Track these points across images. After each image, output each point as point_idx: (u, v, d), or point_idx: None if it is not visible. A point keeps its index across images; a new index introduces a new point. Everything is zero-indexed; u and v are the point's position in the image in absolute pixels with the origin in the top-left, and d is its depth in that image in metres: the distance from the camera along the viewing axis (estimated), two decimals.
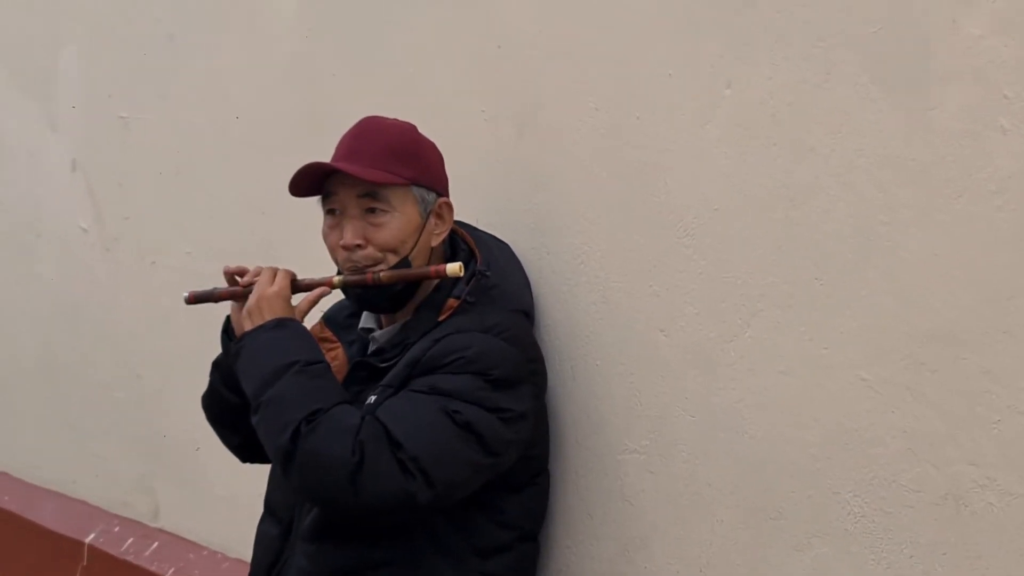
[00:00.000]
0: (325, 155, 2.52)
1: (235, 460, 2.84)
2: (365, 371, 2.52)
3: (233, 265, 2.58)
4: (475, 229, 2.64)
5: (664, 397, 2.47)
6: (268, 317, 2.44)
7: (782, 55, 2.24)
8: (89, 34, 4.18)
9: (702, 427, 2.40)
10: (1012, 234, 1.92)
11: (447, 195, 2.56)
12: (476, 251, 2.55)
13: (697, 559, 2.41)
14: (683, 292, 2.44)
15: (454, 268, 2.41)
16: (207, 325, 2.96)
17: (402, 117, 2.61)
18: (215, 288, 2.60)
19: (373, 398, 2.40)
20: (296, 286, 2.51)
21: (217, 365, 2.70)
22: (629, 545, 2.52)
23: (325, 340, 2.60)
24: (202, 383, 2.79)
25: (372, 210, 2.46)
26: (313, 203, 2.61)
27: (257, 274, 2.51)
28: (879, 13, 2.09)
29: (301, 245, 2.77)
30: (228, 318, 2.62)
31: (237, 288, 2.54)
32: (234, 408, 2.64)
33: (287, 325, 2.44)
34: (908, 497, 2.07)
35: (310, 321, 2.61)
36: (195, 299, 2.63)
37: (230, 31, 3.58)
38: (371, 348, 2.58)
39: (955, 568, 2.02)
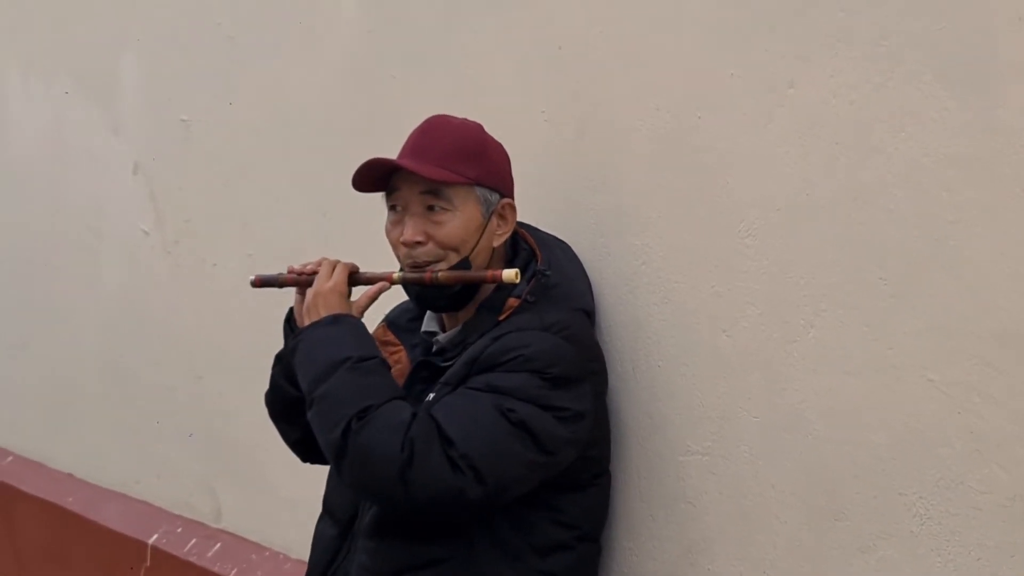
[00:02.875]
0: (384, 156, 2.52)
1: (296, 461, 2.84)
2: (427, 371, 2.54)
3: (297, 265, 2.60)
4: (536, 229, 2.64)
5: (727, 398, 2.46)
6: (324, 313, 2.46)
7: (845, 54, 2.22)
8: (150, 38, 4.20)
9: (765, 428, 2.39)
10: None
11: (511, 196, 2.56)
12: (537, 251, 2.55)
13: (760, 561, 2.40)
14: (746, 292, 2.42)
15: (510, 275, 2.42)
16: (268, 327, 2.98)
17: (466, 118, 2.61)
18: (280, 274, 2.64)
19: (432, 395, 2.42)
20: (356, 280, 2.53)
21: (279, 358, 2.71)
22: (692, 547, 2.52)
23: (388, 343, 2.62)
24: (262, 385, 2.80)
25: (434, 208, 2.47)
26: (374, 206, 2.64)
27: (320, 265, 2.53)
28: (943, 11, 2.07)
29: (361, 246, 2.77)
30: (291, 309, 2.64)
31: (300, 276, 2.57)
32: (294, 403, 2.64)
33: (342, 321, 2.45)
34: (975, 499, 2.05)
35: (374, 318, 2.62)
36: (261, 283, 2.67)
37: (290, 33, 3.59)
38: (434, 350, 2.59)
39: (1023, 571, 2.00)
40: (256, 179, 3.73)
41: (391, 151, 2.53)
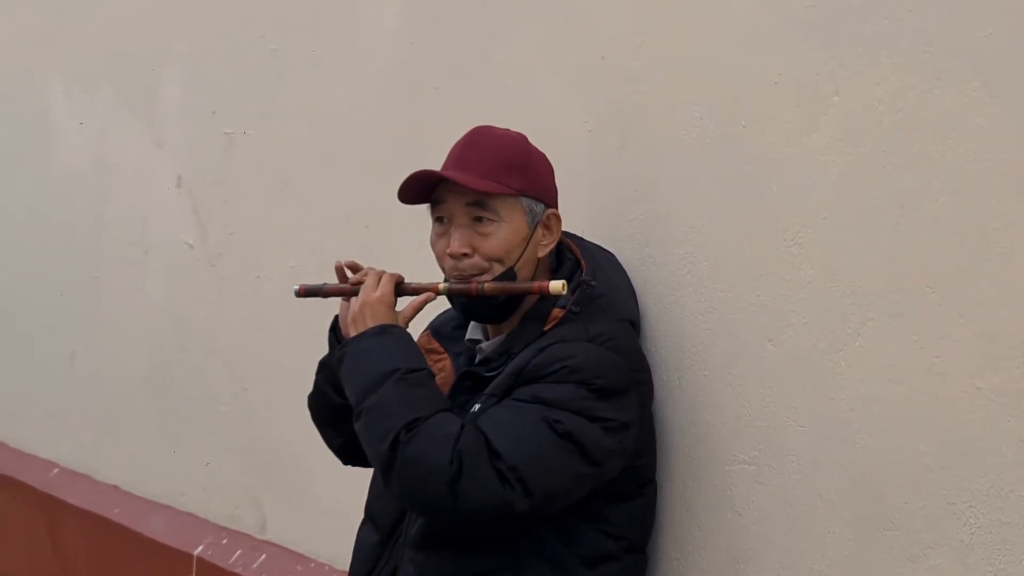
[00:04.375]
0: (428, 167, 2.53)
1: (341, 471, 2.87)
2: (471, 381, 2.53)
3: (346, 260, 2.60)
4: (581, 239, 2.64)
5: (773, 407, 2.45)
6: (371, 324, 2.45)
7: (890, 61, 2.22)
8: (192, 51, 4.23)
9: (812, 437, 2.38)
10: None
11: (556, 207, 2.55)
12: (582, 261, 2.54)
13: (808, 571, 2.39)
14: (791, 301, 2.42)
15: (556, 286, 2.40)
16: (312, 337, 2.99)
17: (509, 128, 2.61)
18: (325, 283, 2.64)
19: (477, 407, 2.40)
20: (402, 290, 2.53)
21: (323, 365, 2.72)
22: (739, 557, 2.51)
23: (432, 351, 2.62)
24: (304, 393, 2.83)
25: (480, 219, 2.46)
26: (417, 217, 2.64)
27: (366, 275, 2.53)
28: (990, 17, 2.06)
29: (404, 258, 2.78)
30: (336, 317, 2.64)
31: (345, 286, 2.57)
32: (338, 409, 2.66)
33: (389, 332, 2.45)
34: None
35: (417, 326, 2.61)
36: (306, 292, 2.66)
37: (332, 45, 3.60)
38: (478, 359, 2.59)
39: None
40: (299, 191, 3.74)
41: (434, 163, 2.54)
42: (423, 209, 2.59)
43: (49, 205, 5.05)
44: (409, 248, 2.75)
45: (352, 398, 2.43)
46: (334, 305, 2.64)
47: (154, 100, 4.40)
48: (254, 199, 3.93)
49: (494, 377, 2.47)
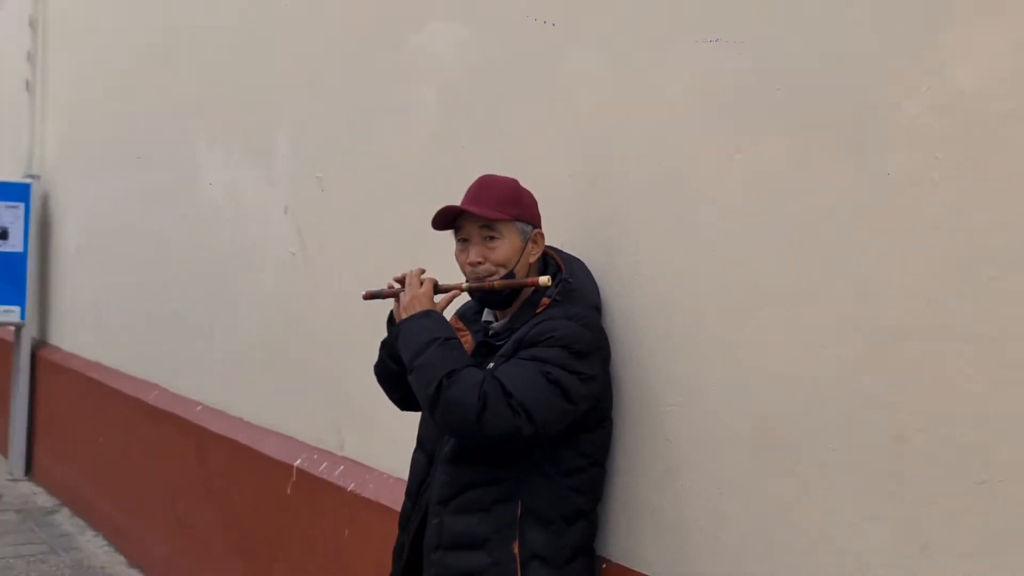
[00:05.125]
0: (454, 204, 2.57)
1: (395, 411, 2.90)
2: (486, 348, 2.58)
3: (399, 275, 2.64)
4: (560, 250, 2.69)
5: (695, 367, 2.48)
6: (418, 309, 2.51)
7: (781, 127, 2.22)
8: (295, 120, 4.26)
9: (721, 388, 2.41)
10: None
11: (540, 227, 2.62)
12: (561, 265, 2.61)
13: (717, 480, 2.41)
14: (707, 293, 2.46)
15: (544, 280, 2.50)
16: (372, 319, 3.00)
17: (510, 175, 2.65)
18: (382, 289, 2.68)
19: (491, 364, 2.45)
20: (438, 288, 2.59)
21: (384, 344, 2.77)
22: (669, 470, 2.52)
23: (459, 329, 2.66)
24: (371, 358, 2.85)
25: (489, 238, 2.54)
26: (445, 239, 2.69)
27: (414, 277, 2.58)
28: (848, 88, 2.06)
29: (439, 263, 2.77)
30: (391, 311, 2.68)
31: (396, 290, 2.60)
32: (395, 373, 2.71)
33: (431, 315, 2.51)
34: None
35: (448, 313, 2.63)
36: (370, 296, 2.72)
37: (391, 116, 3.63)
38: (490, 333, 2.63)
39: None
40: (367, 219, 3.76)
41: (459, 200, 2.58)
42: (450, 233, 2.65)
43: (197, 226, 5.09)
44: (441, 259, 2.74)
45: (406, 358, 2.47)
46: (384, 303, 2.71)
47: (269, 154, 4.42)
48: (336, 223, 3.96)
49: (502, 345, 2.52)
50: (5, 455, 7.59)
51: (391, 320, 2.67)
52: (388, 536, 2.98)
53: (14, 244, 7.14)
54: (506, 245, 2.53)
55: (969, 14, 1.92)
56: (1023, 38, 1.84)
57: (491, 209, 2.50)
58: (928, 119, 1.97)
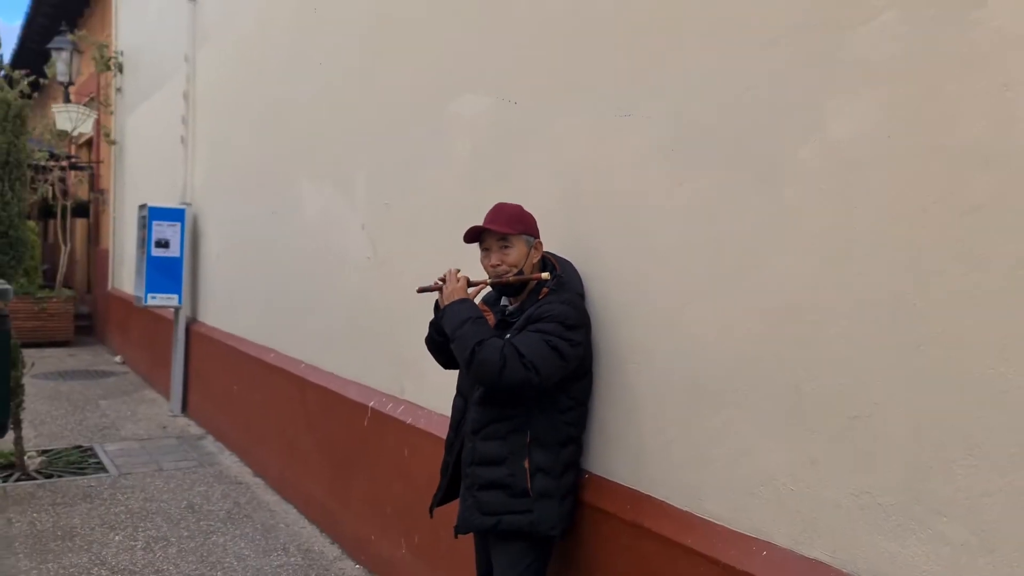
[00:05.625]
0: (478, 224, 2.54)
1: (440, 369, 2.87)
2: (504, 324, 2.56)
3: (442, 274, 2.62)
4: (555, 254, 2.66)
5: (650, 336, 2.46)
6: (456, 298, 2.50)
7: (694, 164, 2.19)
8: (369, 163, 4.23)
9: (667, 351, 2.39)
10: None
11: (539, 238, 2.60)
12: (556, 265, 2.58)
13: (661, 416, 2.39)
14: (657, 284, 2.42)
15: (546, 276, 2.49)
16: (422, 306, 2.99)
17: (517, 202, 2.64)
18: (430, 284, 2.65)
19: (508, 335, 2.42)
20: (470, 283, 2.57)
21: (432, 323, 2.74)
22: (629, 408, 2.52)
23: (485, 311, 2.62)
24: (422, 332, 2.83)
25: (504, 246, 2.51)
26: (472, 247, 2.66)
27: (452, 275, 2.57)
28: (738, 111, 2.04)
29: (468, 266, 2.76)
30: (436, 301, 2.66)
31: (440, 284, 2.58)
32: (440, 344, 2.70)
33: (465, 301, 2.49)
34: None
35: (476, 301, 2.59)
36: (421, 290, 2.69)
37: (435, 160, 3.61)
38: (507, 313, 2.60)
39: None
40: (420, 233, 3.74)
41: (481, 222, 2.57)
42: (476, 245, 2.63)
43: (301, 240, 5.07)
44: (469, 263, 2.72)
45: (449, 332, 2.46)
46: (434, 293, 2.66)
47: (351, 187, 4.41)
48: (398, 236, 3.93)
49: (515, 323, 2.50)
50: (167, 398, 7.62)
51: (437, 306, 2.66)
52: (436, 455, 2.98)
53: (173, 251, 7.16)
54: (516, 251, 2.52)
55: (843, 87, 1.91)
56: (880, 104, 1.83)
57: (504, 226, 2.49)
58: (814, 161, 1.96)
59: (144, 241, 7.18)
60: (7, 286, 4.97)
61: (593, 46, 2.69)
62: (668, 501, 2.35)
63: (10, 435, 5.29)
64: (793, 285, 2.00)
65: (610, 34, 2.62)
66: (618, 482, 2.53)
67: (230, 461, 5.87)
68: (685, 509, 2.30)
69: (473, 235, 2.56)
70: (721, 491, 2.19)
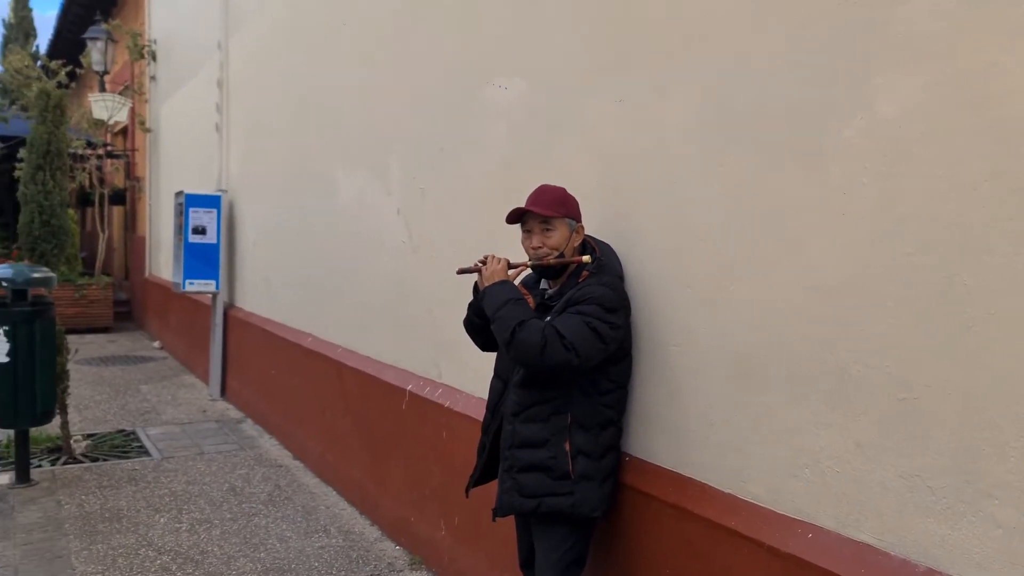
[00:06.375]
0: (519, 206, 2.53)
1: (478, 352, 2.90)
2: (543, 307, 2.55)
3: (482, 256, 2.62)
4: (594, 237, 2.65)
5: (688, 317, 2.45)
6: (497, 280, 2.50)
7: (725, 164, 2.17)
8: (404, 149, 4.25)
9: (708, 333, 2.38)
10: None
11: (580, 221, 2.59)
12: (595, 247, 2.57)
13: (706, 395, 2.38)
14: (692, 267, 2.41)
15: (586, 258, 2.48)
16: (458, 289, 3.01)
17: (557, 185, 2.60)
18: (469, 267, 2.66)
19: (548, 318, 2.42)
20: (510, 265, 2.57)
21: (471, 305, 2.75)
22: (671, 390, 2.51)
23: (524, 293, 2.61)
24: (460, 315, 2.86)
25: (546, 229, 2.49)
26: (508, 231, 2.66)
27: (493, 257, 2.57)
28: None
29: (509, 246, 2.76)
30: (475, 283, 2.66)
31: (479, 266, 2.58)
32: (478, 326, 2.71)
33: (506, 283, 2.49)
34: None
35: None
36: (461, 271, 2.69)
37: (471, 144, 3.62)
38: (546, 296, 2.59)
39: None
40: (455, 217, 3.75)
41: (521, 204, 2.56)
42: (517, 226, 2.63)
43: (337, 223, 5.12)
44: (509, 242, 2.73)
45: (489, 313, 2.46)
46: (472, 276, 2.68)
47: (386, 172, 4.42)
48: (433, 220, 3.95)
49: (554, 306, 2.49)
50: (207, 382, 7.74)
51: (476, 289, 2.67)
52: (472, 437, 3.00)
53: (210, 238, 7.25)
54: (558, 234, 2.51)
55: (891, 63, 1.87)
56: (929, 81, 1.79)
57: (547, 208, 2.48)
58: (860, 140, 1.93)
59: (181, 228, 7.28)
60: (51, 274, 5.07)
61: (628, 25, 2.67)
62: (710, 483, 2.35)
63: (56, 420, 5.42)
64: (838, 265, 1.97)
65: (645, 12, 2.60)
66: (659, 464, 2.53)
67: (269, 444, 5.96)
68: (727, 491, 2.29)
69: (515, 216, 2.55)
70: (764, 473, 2.18)
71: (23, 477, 4.95)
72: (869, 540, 1.90)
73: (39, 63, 12.36)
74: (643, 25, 2.60)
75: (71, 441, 5.63)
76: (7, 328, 4.77)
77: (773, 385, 2.15)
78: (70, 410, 5.90)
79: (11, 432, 5.36)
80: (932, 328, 1.78)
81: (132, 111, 11.81)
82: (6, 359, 4.78)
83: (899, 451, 1.84)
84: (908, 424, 1.83)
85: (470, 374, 3.60)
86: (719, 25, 2.32)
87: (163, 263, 10.27)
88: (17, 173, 10.19)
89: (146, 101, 11.36)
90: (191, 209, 7.18)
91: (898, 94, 1.85)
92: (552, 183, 2.66)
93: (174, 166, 9.86)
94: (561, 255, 2.52)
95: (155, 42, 10.83)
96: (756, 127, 2.19)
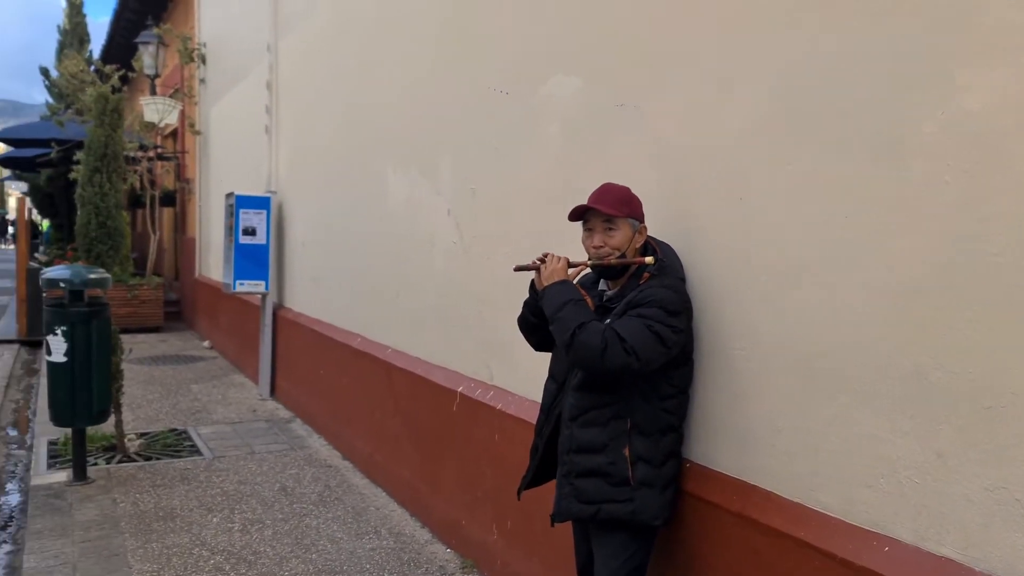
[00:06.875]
0: (578, 205, 2.49)
1: (531, 352, 2.87)
2: (602, 310, 2.50)
3: (540, 254, 2.59)
4: (654, 238, 2.59)
5: (753, 320, 2.38)
6: (556, 279, 2.46)
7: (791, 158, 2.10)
8: (455, 148, 4.22)
9: (773, 336, 2.31)
10: None
11: (644, 222, 2.52)
12: (657, 249, 2.51)
13: (772, 402, 2.32)
14: (759, 269, 2.33)
15: (650, 260, 2.42)
16: (510, 290, 2.96)
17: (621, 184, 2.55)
18: (527, 264, 2.61)
19: (608, 320, 2.37)
20: (570, 264, 2.52)
21: (526, 304, 2.71)
22: (736, 395, 2.45)
23: (583, 295, 2.56)
24: (511, 316, 2.83)
25: (609, 228, 2.44)
26: (560, 232, 2.57)
27: (552, 256, 2.53)
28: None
29: (563, 247, 2.72)
30: (532, 281, 2.62)
31: (537, 264, 2.55)
32: (533, 324, 2.68)
33: (566, 283, 2.46)
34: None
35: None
36: (518, 268, 2.66)
37: (524, 143, 3.58)
38: (604, 299, 2.54)
39: None
40: (507, 218, 3.72)
41: (577, 203, 2.51)
42: (578, 225, 2.57)
43: (386, 224, 5.12)
44: (563, 245, 2.68)
45: (548, 313, 2.42)
46: (525, 274, 2.64)
47: (436, 173, 4.41)
48: (486, 221, 3.92)
49: (614, 308, 2.44)
50: (256, 382, 7.81)
51: (532, 287, 2.63)
52: (525, 440, 2.96)
53: (260, 239, 7.32)
54: (620, 234, 2.46)
55: (974, 56, 1.79)
56: (1016, 73, 1.70)
57: (611, 207, 2.44)
58: (943, 135, 1.85)
59: (232, 229, 7.36)
60: (107, 275, 5.15)
61: (691, 18, 2.61)
62: (776, 491, 2.28)
63: (111, 418, 5.51)
64: (918, 266, 1.89)
65: (709, 3, 2.53)
66: (721, 471, 2.46)
67: (319, 444, 5.99)
68: (795, 500, 2.22)
69: (577, 214, 2.50)
70: (836, 482, 2.10)
71: (80, 475, 5.04)
72: (951, 554, 1.81)
73: (93, 68, 12.65)
74: (708, 17, 2.54)
75: (125, 440, 5.72)
76: (65, 328, 4.85)
77: (845, 390, 2.08)
78: (124, 409, 5.99)
79: (67, 431, 5.47)
80: (1020, 333, 1.69)
81: (182, 114, 12.01)
82: (64, 359, 4.87)
83: (984, 462, 1.76)
84: (994, 434, 1.74)
85: (522, 376, 3.56)
86: (789, 16, 2.25)
87: (212, 264, 10.42)
88: (73, 175, 10.47)
89: (196, 104, 11.54)
90: (241, 210, 7.26)
91: (984, 87, 1.76)
92: (612, 182, 2.61)
93: (223, 168, 9.99)
94: (623, 256, 2.46)
95: (205, 45, 11.00)
96: (828, 122, 2.11)
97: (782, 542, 2.20)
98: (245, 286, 7.30)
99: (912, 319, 1.91)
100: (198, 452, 5.73)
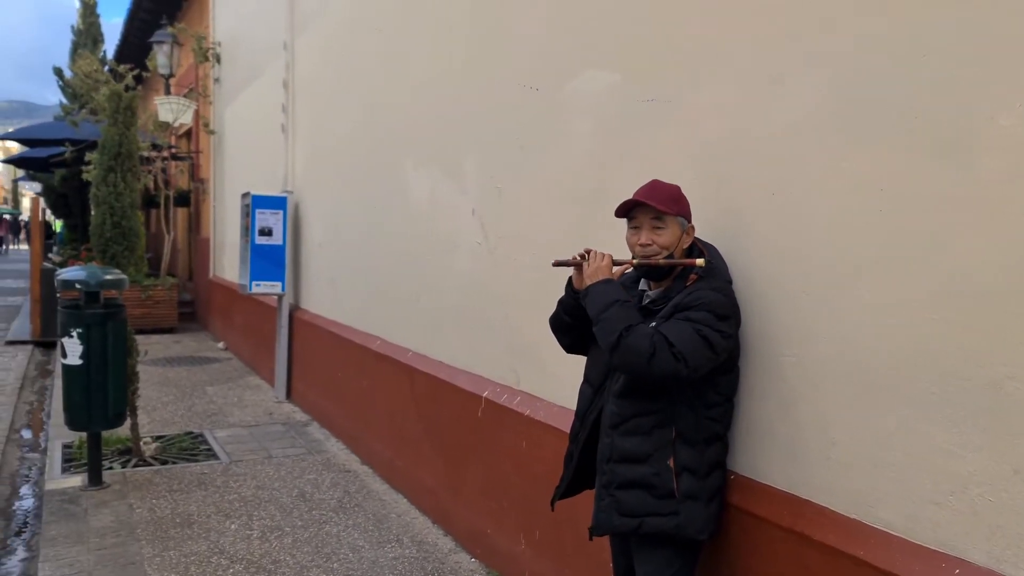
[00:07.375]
0: (609, 206, 2.42)
1: (561, 355, 2.76)
2: (645, 311, 2.39)
3: (582, 250, 2.49)
4: (701, 239, 2.48)
5: (804, 326, 2.27)
6: (601, 277, 2.36)
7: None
8: (487, 148, 4.12)
9: (826, 344, 2.20)
10: None
11: (691, 221, 2.42)
12: (704, 250, 2.41)
13: (822, 409, 2.20)
14: (808, 270, 2.23)
15: (700, 262, 2.31)
16: (537, 290, 2.86)
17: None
18: (567, 259, 2.52)
19: (653, 324, 2.26)
20: (614, 262, 2.41)
21: (560, 302, 2.61)
22: (784, 402, 2.34)
23: None
24: (538, 319, 2.73)
25: (657, 226, 2.35)
26: (587, 231, 2.45)
27: (596, 253, 2.42)
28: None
29: (608, 243, 2.61)
30: (570, 279, 2.54)
31: (578, 260, 2.46)
32: (567, 325, 2.58)
33: (611, 282, 2.35)
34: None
35: None
36: (557, 263, 2.55)
37: (553, 140, 3.47)
38: (645, 300, 2.44)
39: None
40: (533, 217, 3.62)
41: (611, 203, 2.45)
42: (618, 221, 2.47)
43: (407, 224, 5.03)
44: (606, 239, 2.58)
45: (592, 314, 2.31)
46: (560, 273, 2.52)
47: (460, 171, 4.32)
48: (512, 221, 3.82)
49: (658, 310, 2.34)
50: (272, 384, 7.74)
51: (569, 285, 2.55)
52: (555, 447, 2.86)
53: (276, 239, 7.25)
54: (669, 233, 2.36)
55: None
56: None
57: (662, 204, 2.34)
58: (1020, 128, 1.73)
59: (248, 229, 7.29)
60: (122, 276, 5.08)
61: (734, 6, 2.49)
62: (830, 506, 2.17)
63: (126, 421, 5.43)
64: (989, 268, 1.78)
65: None
66: (770, 484, 2.35)
67: (337, 448, 5.90)
68: (852, 516, 2.10)
69: (625, 209, 2.39)
70: (897, 498, 1.98)
71: (95, 480, 4.96)
72: None
73: (107, 67, 12.62)
74: (756, 7, 2.42)
75: (141, 443, 5.65)
76: (81, 331, 4.78)
77: (908, 400, 1.96)
78: (139, 412, 5.92)
79: (83, 434, 5.39)
80: None
81: (196, 113, 11.96)
82: (80, 361, 4.79)
83: None
84: None
85: (550, 381, 3.45)
86: (846, 5, 2.13)
87: (227, 264, 10.36)
88: (86, 175, 10.43)
89: (210, 103, 11.49)
90: (257, 210, 7.18)
91: None
92: (637, 183, 2.50)
93: (238, 168, 9.93)
94: (670, 256, 2.36)
95: (219, 44, 10.95)
96: (888, 116, 2.00)
97: (837, 560, 2.09)
98: (261, 287, 7.23)
99: (985, 326, 1.79)
100: (215, 456, 5.65)
